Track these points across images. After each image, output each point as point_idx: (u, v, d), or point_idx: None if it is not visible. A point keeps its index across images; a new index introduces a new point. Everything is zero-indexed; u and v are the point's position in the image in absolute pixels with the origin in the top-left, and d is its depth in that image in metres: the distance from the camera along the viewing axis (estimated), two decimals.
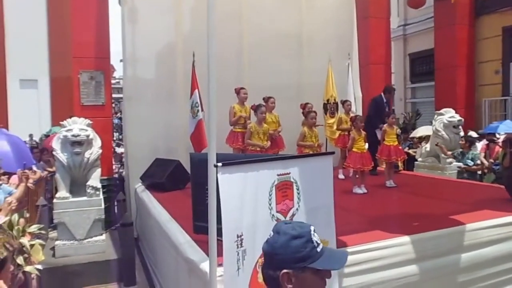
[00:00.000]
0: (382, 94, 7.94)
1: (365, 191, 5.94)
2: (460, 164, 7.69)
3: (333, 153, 3.21)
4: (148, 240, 5.96)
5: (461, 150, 7.79)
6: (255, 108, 6.24)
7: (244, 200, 2.40)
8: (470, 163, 7.61)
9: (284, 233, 1.43)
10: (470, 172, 7.64)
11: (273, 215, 2.53)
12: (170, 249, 4.17)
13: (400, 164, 8.04)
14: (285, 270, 1.41)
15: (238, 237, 2.35)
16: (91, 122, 6.12)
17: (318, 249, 1.44)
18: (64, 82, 8.15)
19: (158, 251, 5.10)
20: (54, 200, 5.78)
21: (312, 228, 1.48)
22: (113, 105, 18.02)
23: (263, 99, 6.83)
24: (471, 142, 7.94)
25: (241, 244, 2.34)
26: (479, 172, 8.05)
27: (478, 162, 7.72)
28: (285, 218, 2.60)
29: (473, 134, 9.21)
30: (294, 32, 8.81)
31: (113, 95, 16.12)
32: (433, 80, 12.48)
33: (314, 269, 1.43)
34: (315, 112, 6.57)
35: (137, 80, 7.87)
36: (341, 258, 1.52)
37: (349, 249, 3.45)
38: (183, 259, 3.65)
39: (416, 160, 8.88)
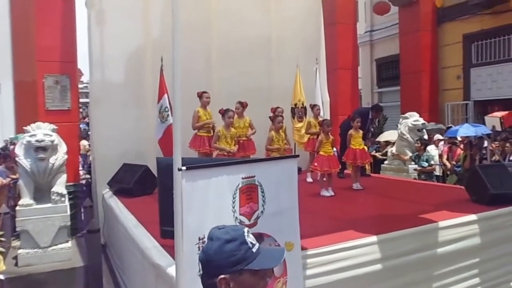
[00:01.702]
0: (370, 110, 8.00)
1: (332, 193, 6.04)
2: (416, 166, 7.92)
3: (297, 156, 3.27)
4: (116, 246, 5.88)
5: (417, 153, 8.04)
6: (223, 112, 6.26)
7: (208, 203, 2.42)
8: (425, 164, 7.86)
9: (217, 238, 1.42)
10: (427, 173, 7.89)
11: (236, 217, 2.55)
12: (137, 254, 4.14)
13: (367, 167, 8.22)
14: (222, 276, 1.39)
15: (199, 239, 2.36)
16: (56, 127, 5.98)
17: (254, 250, 1.43)
18: (29, 86, 7.94)
19: (126, 257, 5.04)
20: (17, 208, 5.60)
21: (245, 229, 1.47)
22: (81, 110, 17.65)
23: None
24: (425, 144, 8.21)
25: (203, 246, 2.34)
26: (437, 173, 8.31)
27: (432, 162, 7.98)
28: (249, 220, 2.62)
29: (438, 136, 9.51)
30: (262, 37, 8.88)
31: (81, 100, 15.79)
32: (399, 85, 12.83)
33: (252, 270, 1.41)
34: (282, 116, 6.65)
35: (104, 84, 7.75)
36: (278, 256, 1.51)
37: (316, 251, 3.53)
38: (150, 264, 3.63)
39: (383, 163, 9.10)
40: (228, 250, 1.40)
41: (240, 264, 1.40)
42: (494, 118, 10.05)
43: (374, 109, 7.99)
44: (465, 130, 8.45)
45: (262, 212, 2.72)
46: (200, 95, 6.67)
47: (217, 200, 2.48)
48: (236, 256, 1.40)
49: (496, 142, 8.52)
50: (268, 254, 1.47)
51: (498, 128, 9.74)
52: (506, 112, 10.00)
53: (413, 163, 8.05)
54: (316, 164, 6.18)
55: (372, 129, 8.10)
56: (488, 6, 11.22)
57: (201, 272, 1.45)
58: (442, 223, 4.19)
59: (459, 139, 9.06)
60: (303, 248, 3.35)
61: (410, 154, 8.18)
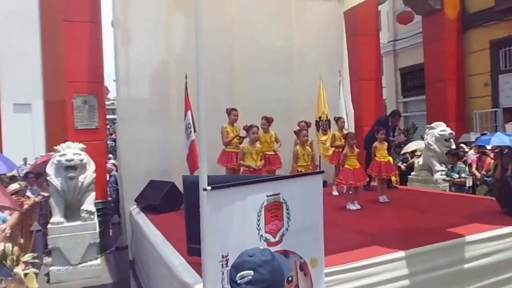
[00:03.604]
0: (389, 116, 7.97)
1: (359, 207, 5.97)
2: (444, 176, 7.77)
3: (322, 172, 3.26)
4: (143, 263, 5.94)
5: (451, 165, 7.90)
6: (247, 129, 6.30)
7: (232, 221, 2.45)
8: (455, 176, 7.70)
9: (265, 262, 1.47)
10: (458, 185, 7.74)
11: (261, 235, 2.56)
12: (165, 271, 4.17)
13: (394, 179, 8.09)
14: None
15: (223, 257, 2.39)
16: (84, 147, 6.15)
17: None
18: (58, 106, 8.22)
19: (153, 273, 5.08)
20: (49, 225, 5.76)
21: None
22: (108, 126, 18.03)
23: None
24: (455, 155, 8.05)
25: (226, 264, 2.37)
26: (468, 184, 8.13)
27: (463, 175, 7.81)
28: (274, 238, 2.63)
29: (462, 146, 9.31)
30: (284, 49, 8.92)
31: (107, 116, 16.15)
32: (424, 94, 12.64)
33: None
34: (306, 130, 6.64)
35: (130, 101, 7.91)
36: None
37: (342, 267, 3.48)
38: (178, 281, 3.65)
39: (410, 174, 8.94)
40: (277, 267, 1.49)
41: (284, 274, 1.51)
42: None
43: (392, 115, 7.94)
44: (498, 140, 8.23)
45: (287, 229, 2.72)
46: (229, 112, 6.76)
47: (241, 218, 2.50)
48: (281, 268, 1.50)
49: None
50: (281, 261, 1.57)
51: None
52: None
53: (444, 174, 7.91)
54: (341, 177, 6.13)
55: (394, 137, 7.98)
56: None
57: None
58: (471, 237, 4.09)
59: (489, 148, 8.84)
60: (330, 264, 3.33)
61: (438, 165, 8.02)
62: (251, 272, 1.44)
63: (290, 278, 2.71)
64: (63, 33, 7.74)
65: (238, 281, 1.43)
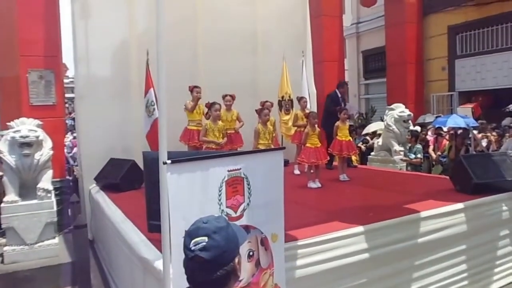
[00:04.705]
0: (336, 89, 8.12)
1: (319, 185, 6.08)
2: (401, 156, 8.04)
3: (283, 148, 3.28)
4: (103, 241, 5.86)
5: (409, 145, 8.15)
6: (209, 106, 6.26)
7: (193, 196, 2.43)
8: (412, 156, 7.98)
9: (219, 228, 1.45)
10: (414, 165, 8.03)
11: (222, 210, 2.56)
12: (125, 249, 4.13)
13: (354, 158, 8.27)
14: (237, 257, 1.46)
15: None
16: (41, 123, 5.92)
17: None
18: (12, 82, 7.81)
19: (113, 252, 5.03)
20: (2, 205, 5.54)
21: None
22: (67, 105, 17.42)
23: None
24: (416, 136, 8.31)
25: None
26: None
27: (419, 156, 8.10)
28: (235, 213, 2.64)
29: (418, 128, 9.63)
30: (248, 30, 8.84)
31: (67, 95, 15.57)
32: (385, 77, 12.91)
33: None
34: (268, 109, 6.67)
35: (89, 78, 7.64)
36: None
37: (303, 242, 3.55)
38: (138, 258, 3.63)
39: (370, 155, 9.16)
40: (232, 234, 1.47)
41: (239, 241, 1.49)
42: (466, 109, 10.27)
43: (340, 86, 8.22)
44: (453, 122, 8.56)
45: (248, 204, 2.73)
46: (192, 90, 6.68)
47: (202, 192, 2.48)
48: (236, 236, 1.48)
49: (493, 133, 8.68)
50: (236, 229, 1.55)
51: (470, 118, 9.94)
52: (475, 103, 10.27)
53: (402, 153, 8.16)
54: (303, 156, 6.20)
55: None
56: None
57: (208, 269, 1.42)
58: (426, 213, 4.25)
59: (445, 130, 9.17)
60: (290, 239, 3.39)
61: (397, 145, 8.25)
62: (206, 238, 1.42)
63: (251, 253, 2.74)
64: (16, 3, 7.33)
65: (192, 248, 1.41)
